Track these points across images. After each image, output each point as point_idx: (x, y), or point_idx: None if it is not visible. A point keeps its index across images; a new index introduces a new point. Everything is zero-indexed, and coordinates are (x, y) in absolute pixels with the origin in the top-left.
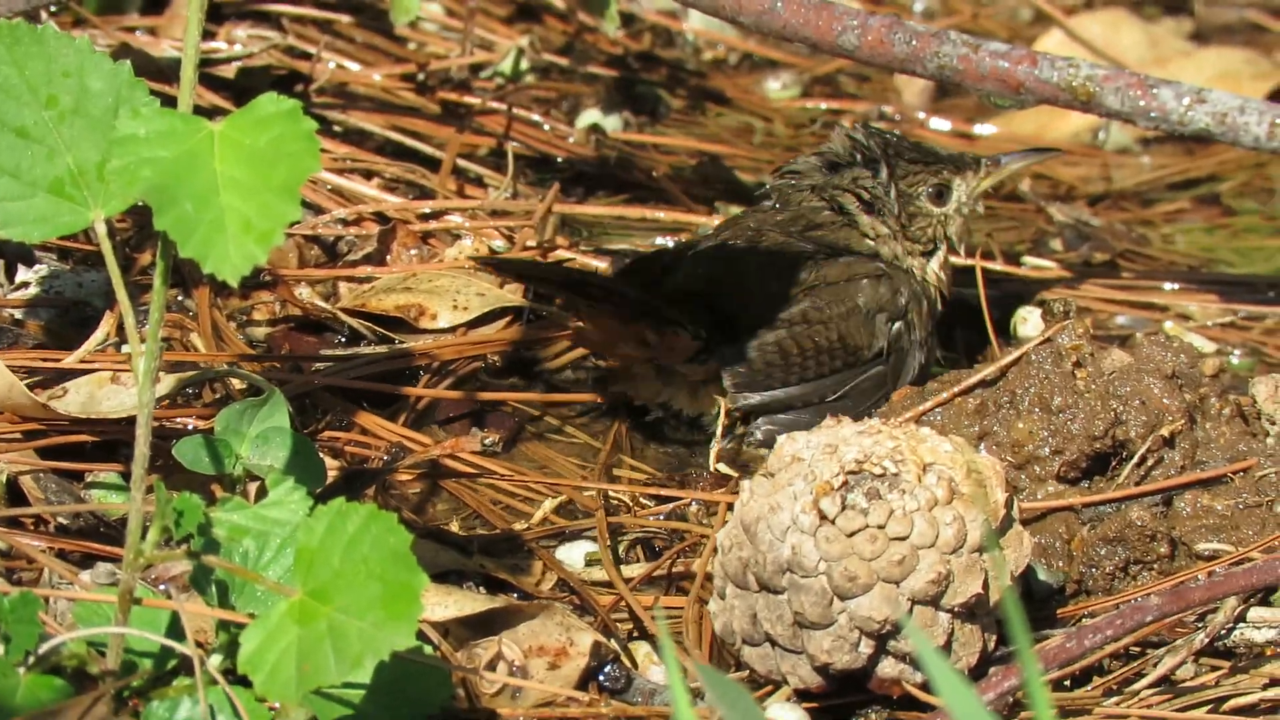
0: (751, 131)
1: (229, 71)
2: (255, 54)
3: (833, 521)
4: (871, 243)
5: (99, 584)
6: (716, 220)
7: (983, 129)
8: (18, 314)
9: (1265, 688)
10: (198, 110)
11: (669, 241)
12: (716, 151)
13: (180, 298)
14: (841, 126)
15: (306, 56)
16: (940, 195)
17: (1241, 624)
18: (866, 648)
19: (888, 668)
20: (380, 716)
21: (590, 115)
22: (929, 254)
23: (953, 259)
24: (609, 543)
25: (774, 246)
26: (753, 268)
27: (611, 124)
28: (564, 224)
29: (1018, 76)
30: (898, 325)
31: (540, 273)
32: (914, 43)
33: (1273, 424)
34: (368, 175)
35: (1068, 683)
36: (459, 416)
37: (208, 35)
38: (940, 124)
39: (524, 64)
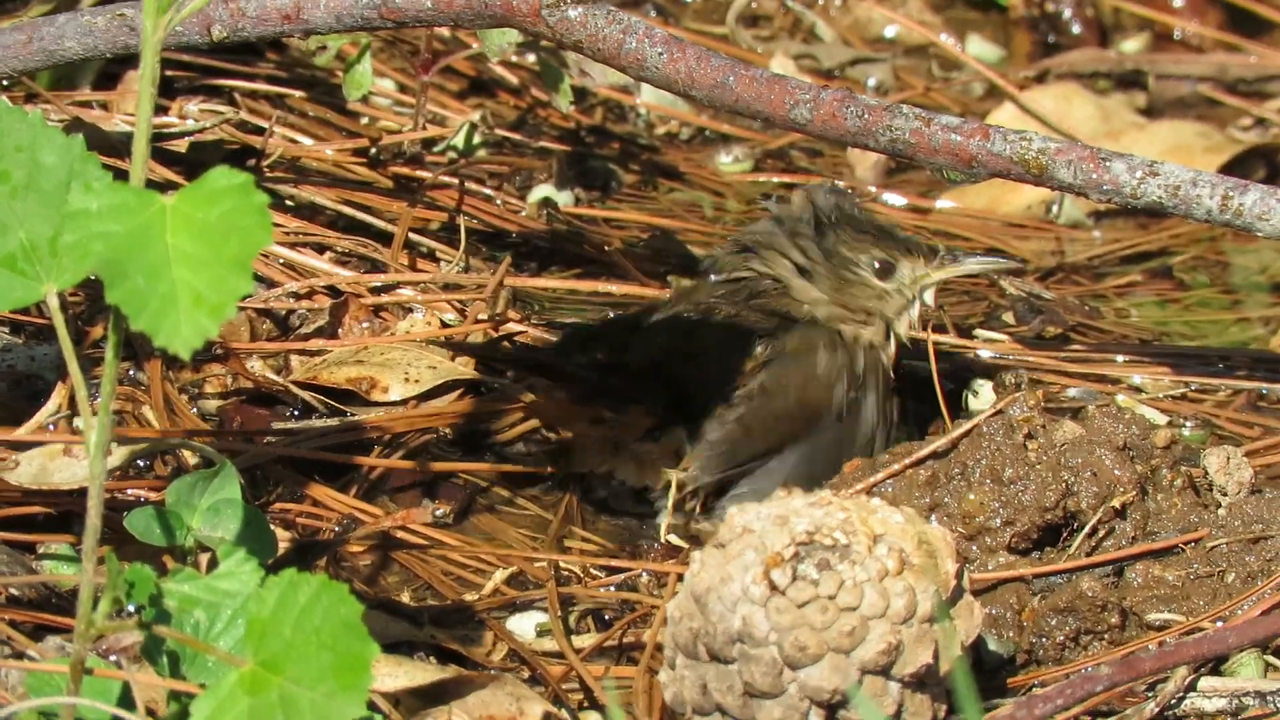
0: (703, 206)
1: (181, 146)
2: (207, 128)
3: (783, 592)
4: (807, 307)
5: (50, 655)
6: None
7: (935, 204)
8: None
9: None
10: (150, 185)
11: (615, 315)
12: (668, 226)
13: (132, 371)
14: (805, 186)
15: (259, 131)
16: (885, 271)
17: (1192, 693)
18: (817, 717)
19: None
20: None
21: (542, 190)
22: (864, 325)
23: (899, 335)
24: (560, 613)
25: (727, 319)
26: (709, 342)
27: (563, 199)
28: (516, 298)
29: (970, 150)
30: (853, 392)
31: (496, 354)
32: (866, 117)
33: (1224, 495)
34: (320, 249)
35: None
36: (410, 488)
37: (160, 110)
38: (893, 199)
39: (476, 139)
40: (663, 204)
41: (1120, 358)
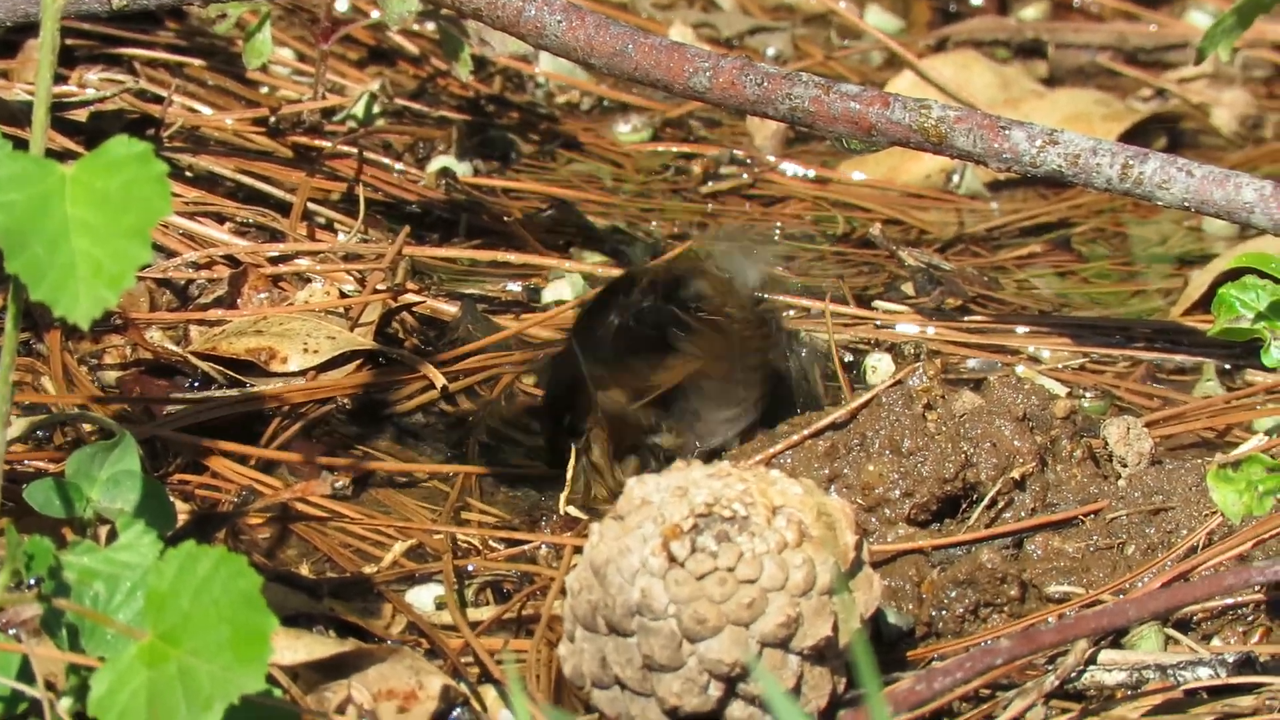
0: (601, 177)
1: (81, 115)
2: (107, 98)
3: (682, 564)
4: None
5: None
6: (569, 264)
7: (835, 173)
8: None
9: None
10: (50, 154)
11: (517, 286)
12: (567, 196)
13: (31, 341)
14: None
15: (159, 100)
16: None
17: (1092, 666)
18: (716, 690)
19: (737, 710)
20: None
21: (441, 160)
22: None
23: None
24: (457, 586)
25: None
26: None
27: (463, 169)
28: (415, 268)
29: (869, 118)
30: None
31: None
32: (765, 85)
33: (1124, 466)
34: (219, 219)
35: None
36: (309, 460)
37: (60, 79)
38: (792, 169)
39: (376, 108)
40: (562, 174)
41: (1019, 328)
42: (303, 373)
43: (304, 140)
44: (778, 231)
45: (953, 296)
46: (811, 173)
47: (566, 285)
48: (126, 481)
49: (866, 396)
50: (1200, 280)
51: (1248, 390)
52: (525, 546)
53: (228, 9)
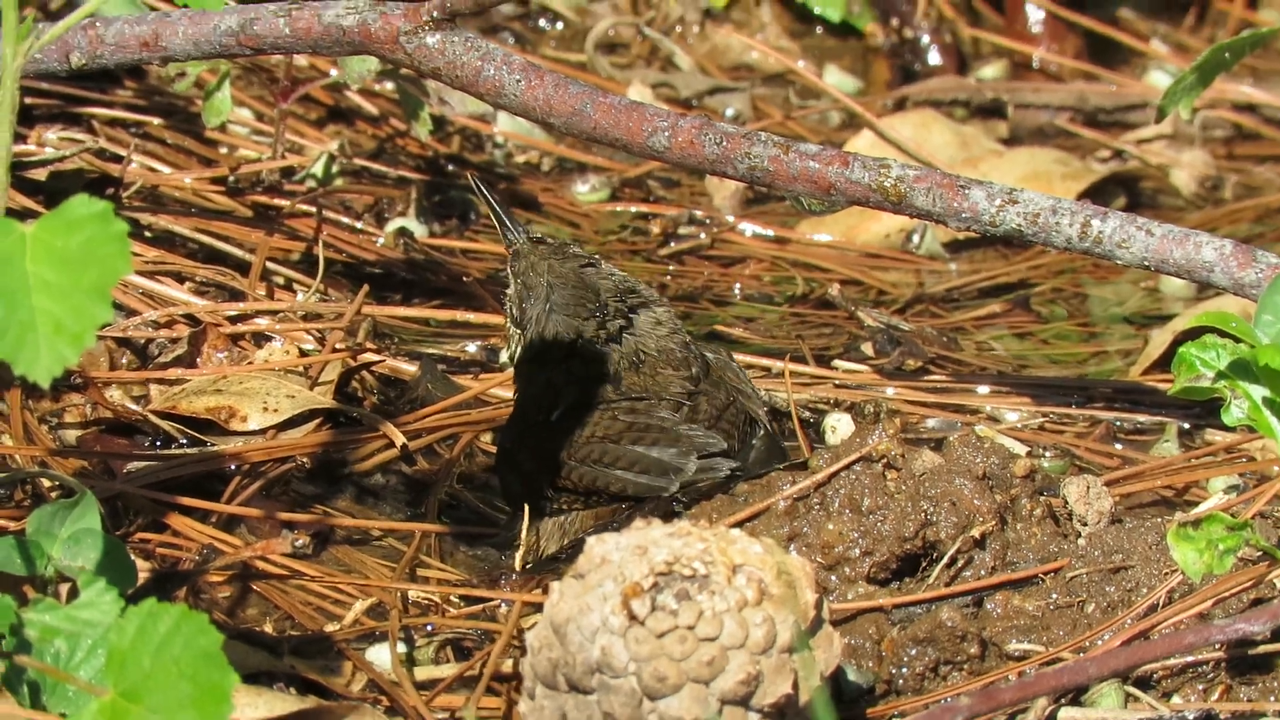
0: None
1: (41, 174)
2: (67, 157)
3: (642, 622)
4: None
5: None
6: None
7: (794, 233)
8: None
9: None
10: (9, 213)
11: (474, 346)
12: None
13: None
14: None
15: (118, 159)
16: None
17: None
18: None
19: None
20: None
21: (399, 220)
22: None
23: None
24: (411, 645)
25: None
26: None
27: (420, 229)
28: (375, 327)
29: (829, 178)
30: None
31: None
32: (724, 144)
33: (1084, 525)
34: (179, 278)
35: None
36: (269, 519)
37: (19, 138)
38: (751, 229)
39: (335, 168)
40: None
41: (979, 388)
42: (263, 431)
43: (263, 199)
44: (737, 291)
45: (912, 357)
46: (770, 233)
47: None
48: (87, 539)
49: (835, 468)
50: (1160, 339)
51: (1206, 449)
52: (485, 604)
53: (186, 68)
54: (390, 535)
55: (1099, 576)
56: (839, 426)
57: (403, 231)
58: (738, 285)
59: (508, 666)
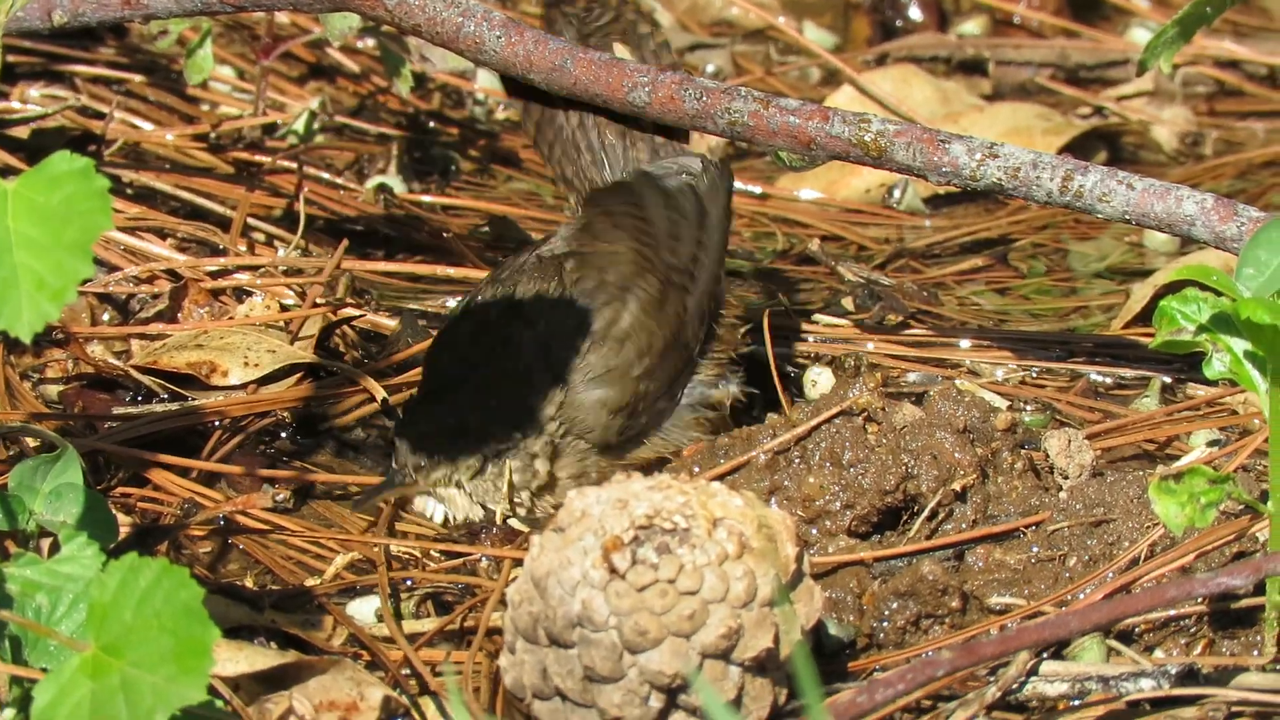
0: (542, 195)
1: (23, 132)
2: (49, 115)
3: (623, 576)
4: None
5: None
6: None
7: (774, 189)
8: None
9: None
10: None
11: (453, 301)
12: (508, 214)
13: None
14: None
15: (100, 116)
16: None
17: (1034, 678)
18: (657, 702)
19: None
20: None
21: (379, 177)
22: None
23: None
24: (395, 598)
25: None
26: None
27: (400, 186)
28: (355, 283)
29: (809, 132)
30: None
31: None
32: (704, 99)
33: (1065, 478)
34: (160, 234)
35: None
36: (250, 473)
37: (1, 95)
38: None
39: (316, 125)
40: (501, 192)
41: (960, 342)
42: (243, 386)
43: (244, 156)
44: None
45: (893, 312)
46: (752, 189)
47: None
48: (69, 494)
49: (814, 421)
50: (1141, 293)
51: (1188, 403)
52: (465, 558)
53: (169, 25)
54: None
55: (1080, 530)
56: (819, 380)
57: (383, 188)
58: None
59: (484, 620)
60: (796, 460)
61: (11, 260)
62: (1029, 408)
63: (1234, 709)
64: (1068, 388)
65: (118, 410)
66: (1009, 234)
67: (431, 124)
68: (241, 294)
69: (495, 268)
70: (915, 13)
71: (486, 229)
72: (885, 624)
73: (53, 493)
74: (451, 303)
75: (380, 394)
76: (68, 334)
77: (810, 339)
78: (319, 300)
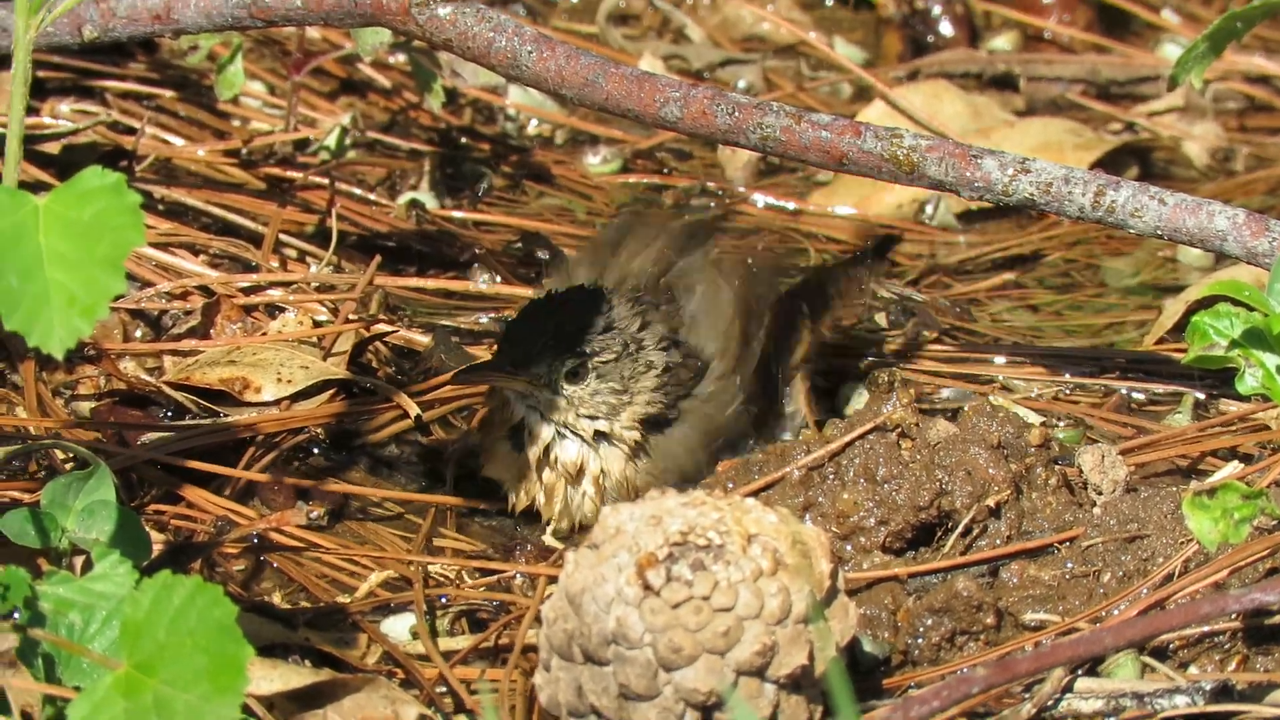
0: (574, 210)
1: (54, 148)
2: (80, 130)
3: (657, 593)
4: None
5: None
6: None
7: (806, 204)
8: None
9: None
10: (22, 186)
11: (486, 318)
12: (540, 229)
13: (5, 372)
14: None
15: (131, 132)
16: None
17: (1069, 694)
18: (692, 719)
19: None
20: None
21: (411, 193)
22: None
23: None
24: (430, 617)
25: None
26: None
27: (432, 201)
28: (387, 298)
29: (841, 147)
30: None
31: None
32: (737, 114)
33: (1099, 494)
34: (193, 250)
35: None
36: (284, 490)
37: (32, 111)
38: (764, 199)
39: (348, 140)
40: (533, 208)
41: (993, 358)
42: (276, 402)
43: (276, 172)
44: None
45: (926, 328)
46: (784, 204)
47: None
48: (102, 511)
49: (849, 436)
50: (1173, 309)
51: (1221, 418)
52: (500, 575)
53: (199, 40)
54: (406, 507)
55: (1114, 546)
56: (853, 396)
57: (415, 204)
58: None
59: (520, 637)
60: (831, 476)
61: (43, 276)
62: (1062, 423)
63: None
64: (1101, 403)
65: (150, 426)
66: (1041, 250)
67: (463, 139)
68: (274, 310)
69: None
70: (946, 28)
71: (519, 245)
72: (920, 640)
73: (85, 510)
74: (484, 319)
75: (414, 410)
76: (100, 350)
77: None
78: (351, 316)
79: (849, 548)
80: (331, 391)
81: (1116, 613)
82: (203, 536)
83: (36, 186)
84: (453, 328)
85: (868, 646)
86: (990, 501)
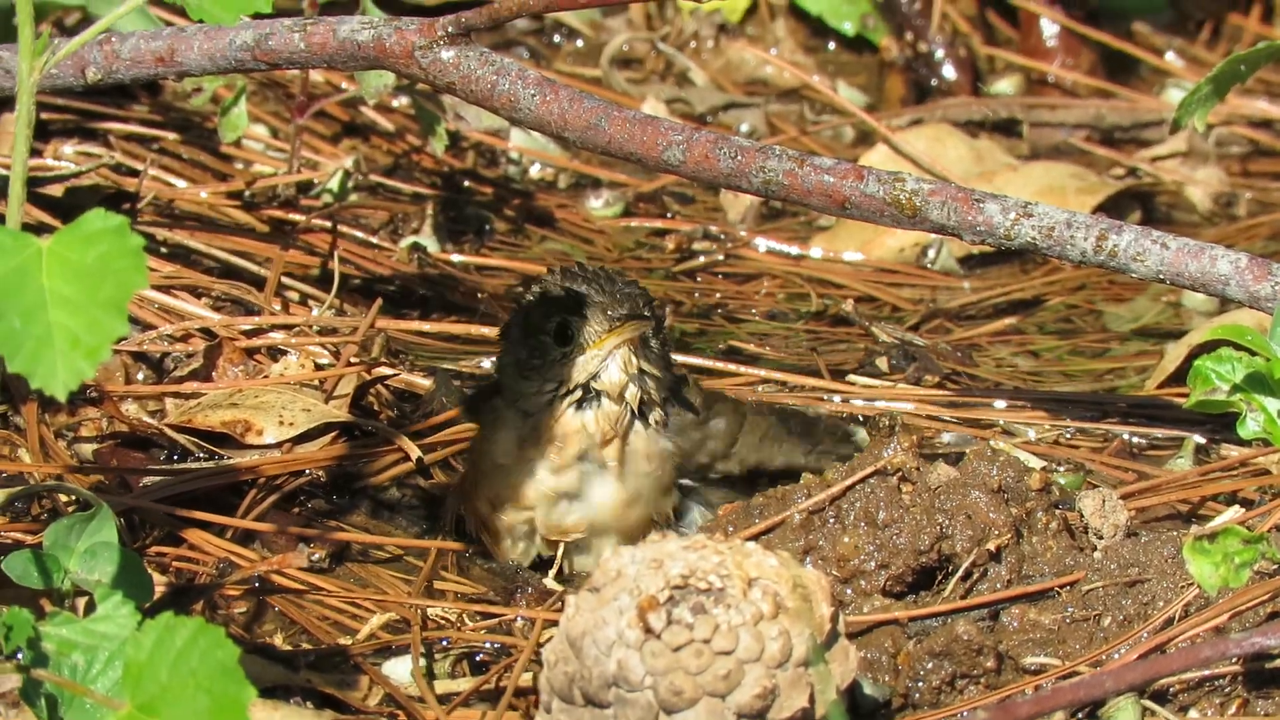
0: (573, 256)
1: (57, 190)
2: (83, 172)
3: (658, 636)
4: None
5: None
6: None
7: (808, 249)
8: None
9: None
10: (25, 228)
11: (487, 362)
12: (541, 274)
13: (7, 414)
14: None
15: (134, 174)
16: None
17: None
18: None
19: None
20: None
21: (413, 237)
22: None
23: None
24: (428, 659)
25: None
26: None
27: (434, 245)
28: (389, 342)
29: (843, 191)
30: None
31: None
32: (739, 158)
33: (1100, 538)
34: (195, 293)
35: None
36: (285, 532)
37: (35, 152)
38: (766, 244)
39: (350, 183)
40: (536, 252)
41: (994, 403)
42: (278, 445)
43: (279, 214)
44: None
45: (928, 372)
46: (786, 248)
47: None
48: (104, 553)
49: (849, 480)
50: (1175, 353)
51: (1222, 463)
52: (500, 619)
53: (203, 83)
54: (404, 549)
55: (1115, 590)
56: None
57: (417, 247)
58: (753, 302)
59: (525, 680)
60: (831, 520)
61: (46, 318)
62: (1063, 468)
63: None
64: (1102, 448)
65: (153, 468)
66: (1043, 295)
67: (466, 183)
68: (276, 353)
69: None
70: (949, 71)
71: (521, 290)
72: (920, 684)
73: (88, 551)
74: (485, 363)
75: (415, 453)
76: (102, 392)
77: (844, 400)
78: (353, 359)
79: (849, 591)
80: (333, 434)
81: (1117, 656)
82: (205, 578)
83: (39, 228)
84: (454, 371)
85: (868, 689)
86: (991, 545)
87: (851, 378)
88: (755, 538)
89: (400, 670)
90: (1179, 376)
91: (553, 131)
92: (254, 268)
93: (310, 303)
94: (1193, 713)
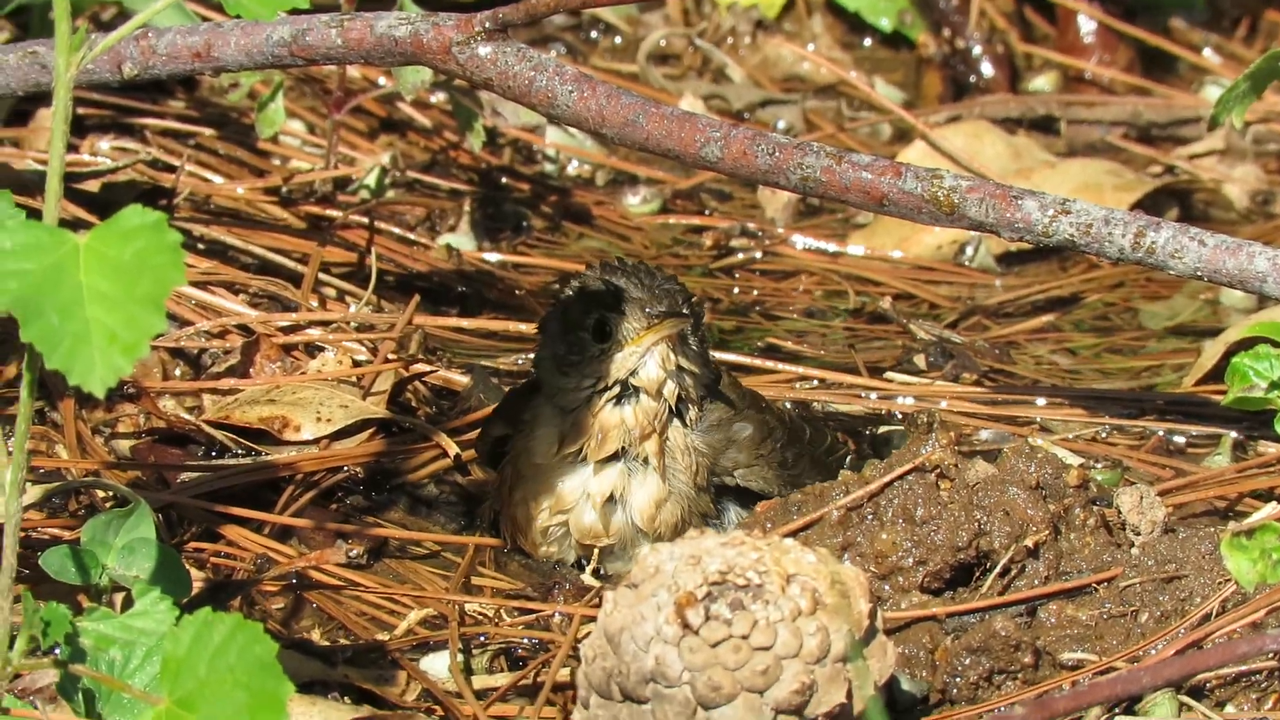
0: (611, 254)
1: (93, 186)
2: (120, 168)
3: (696, 632)
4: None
5: None
6: None
7: (846, 247)
8: None
9: None
10: (62, 223)
11: (523, 359)
12: (579, 271)
13: (45, 410)
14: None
15: (170, 169)
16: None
17: None
18: None
19: None
20: None
21: (451, 234)
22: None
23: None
24: (466, 654)
25: None
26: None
27: (470, 243)
28: (427, 338)
29: (881, 188)
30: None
31: None
32: (777, 154)
33: (1137, 534)
34: (232, 289)
35: None
36: (324, 528)
37: (71, 148)
38: (803, 241)
39: (387, 180)
40: (573, 250)
41: (1032, 400)
42: (316, 441)
43: (315, 210)
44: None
45: (966, 370)
46: (823, 245)
47: None
48: (142, 549)
49: (887, 478)
50: (1213, 351)
51: (1259, 460)
52: (538, 614)
53: (239, 78)
54: (444, 546)
55: (1152, 586)
56: (891, 440)
57: (453, 246)
58: (790, 299)
59: (563, 676)
60: (869, 516)
61: (84, 315)
62: (1101, 464)
63: None
64: (1139, 445)
65: (190, 464)
66: (1080, 292)
67: (503, 180)
68: (313, 349)
69: None
70: (987, 68)
71: (559, 286)
72: (958, 679)
73: (125, 547)
74: (523, 359)
75: (453, 450)
76: (140, 389)
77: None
78: (391, 356)
79: (887, 587)
80: (371, 431)
81: (1154, 652)
82: (242, 574)
83: (76, 224)
84: (491, 368)
85: (906, 685)
86: (1028, 542)
87: (889, 375)
88: (793, 534)
89: (438, 666)
90: (1216, 374)
91: (590, 128)
92: (291, 264)
93: (348, 299)
94: (1229, 708)
